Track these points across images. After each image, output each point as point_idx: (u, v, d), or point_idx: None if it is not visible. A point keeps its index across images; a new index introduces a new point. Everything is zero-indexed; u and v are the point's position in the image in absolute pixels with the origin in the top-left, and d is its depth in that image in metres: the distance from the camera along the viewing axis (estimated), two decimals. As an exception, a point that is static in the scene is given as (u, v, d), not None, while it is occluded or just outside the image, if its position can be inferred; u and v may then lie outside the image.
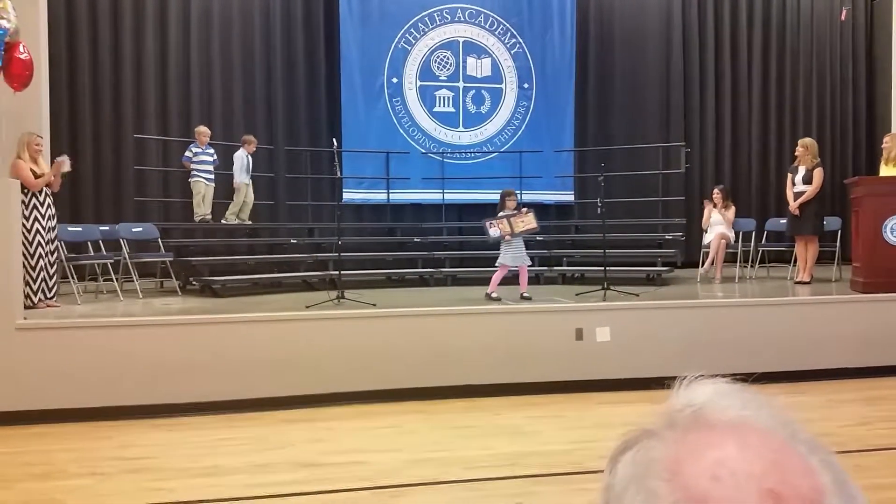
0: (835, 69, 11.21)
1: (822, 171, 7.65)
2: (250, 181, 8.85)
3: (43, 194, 6.36)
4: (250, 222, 9.00)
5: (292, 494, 3.81)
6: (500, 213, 7.00)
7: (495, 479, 3.97)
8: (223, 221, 8.78)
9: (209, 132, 8.59)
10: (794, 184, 7.70)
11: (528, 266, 7.11)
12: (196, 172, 8.42)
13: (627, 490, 0.47)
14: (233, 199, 8.77)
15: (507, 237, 6.79)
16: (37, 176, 6.30)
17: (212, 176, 8.54)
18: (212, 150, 8.59)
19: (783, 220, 8.26)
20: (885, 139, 7.63)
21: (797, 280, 7.77)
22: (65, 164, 6.55)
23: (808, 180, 7.60)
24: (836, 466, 0.46)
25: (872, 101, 11.08)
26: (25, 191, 6.16)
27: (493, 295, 6.73)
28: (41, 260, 6.25)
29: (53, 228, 6.46)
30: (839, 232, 8.46)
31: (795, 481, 0.43)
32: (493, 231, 6.82)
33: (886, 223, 6.76)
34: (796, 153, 7.81)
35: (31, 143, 6.38)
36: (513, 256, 6.83)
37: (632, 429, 0.50)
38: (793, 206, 7.65)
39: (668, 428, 0.48)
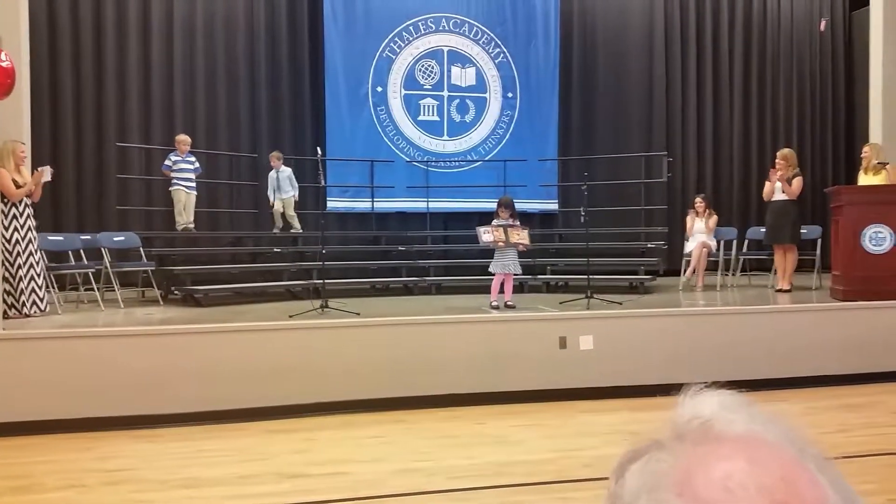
0: (814, 79, 11.38)
1: (801, 180, 7.74)
2: (286, 196, 8.96)
3: (23, 204, 6.30)
4: (301, 231, 9.14)
5: (275, 506, 3.78)
6: (495, 222, 7.03)
7: (479, 489, 3.97)
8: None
9: (189, 140, 8.56)
10: (773, 192, 7.79)
11: (517, 275, 7.15)
12: (176, 181, 8.38)
13: (637, 501, 0.47)
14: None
15: (501, 244, 6.82)
16: (18, 186, 6.24)
17: (193, 184, 8.50)
18: (192, 159, 8.55)
19: (763, 229, 8.35)
20: (865, 149, 7.73)
21: (777, 288, 7.85)
22: (45, 173, 6.50)
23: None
24: (844, 484, 0.47)
25: (852, 110, 11.24)
26: (5, 201, 6.10)
27: (493, 303, 6.76)
28: (20, 270, 6.18)
29: (34, 239, 6.40)
30: (819, 240, 8.56)
31: (806, 495, 0.44)
32: (486, 237, 6.86)
33: (865, 232, 6.84)
34: (777, 166, 7.85)
35: (15, 150, 6.32)
36: (502, 264, 6.87)
37: (638, 439, 0.50)
38: (767, 194, 7.73)
39: (676, 440, 0.49)
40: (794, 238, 7.79)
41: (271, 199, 9.01)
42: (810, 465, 0.47)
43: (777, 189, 7.72)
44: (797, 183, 7.67)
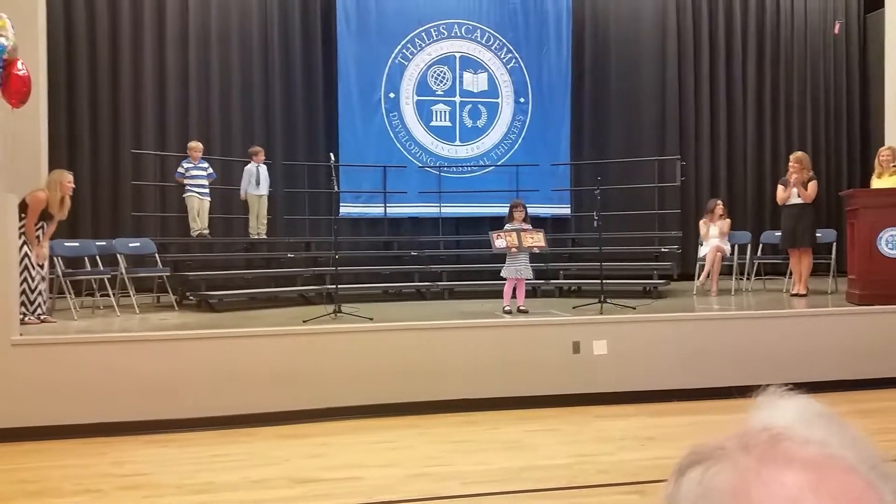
0: (829, 82, 11.29)
1: (816, 183, 7.68)
2: (264, 193, 8.84)
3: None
4: (261, 236, 8.92)
5: (288, 510, 3.79)
6: (508, 226, 7.01)
7: (493, 494, 3.95)
8: (252, 235, 8.90)
9: (201, 147, 8.61)
10: (787, 197, 7.72)
11: (529, 279, 7.12)
12: (189, 188, 8.44)
13: None
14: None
15: (514, 250, 6.79)
16: (49, 213, 6.33)
17: (206, 191, 8.54)
18: (205, 165, 8.60)
19: (778, 233, 8.29)
20: (885, 152, 7.61)
21: (793, 292, 7.78)
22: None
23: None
24: None
25: (866, 113, 11.15)
26: (22, 216, 6.17)
27: (506, 308, 6.75)
28: (27, 283, 6.21)
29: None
30: (834, 244, 8.48)
31: None
32: (499, 242, 6.83)
33: (881, 235, 6.78)
34: (790, 168, 7.79)
35: (63, 181, 6.53)
36: (515, 269, 6.84)
37: (703, 442, 0.48)
38: (784, 198, 7.65)
39: (741, 451, 0.45)
40: (811, 242, 7.72)
41: (244, 193, 8.76)
42: (888, 496, 0.43)
43: (793, 193, 7.66)
44: (812, 186, 7.62)
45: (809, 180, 7.64)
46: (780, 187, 7.86)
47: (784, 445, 0.45)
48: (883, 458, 0.46)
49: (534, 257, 7.22)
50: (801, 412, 0.49)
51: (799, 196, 7.61)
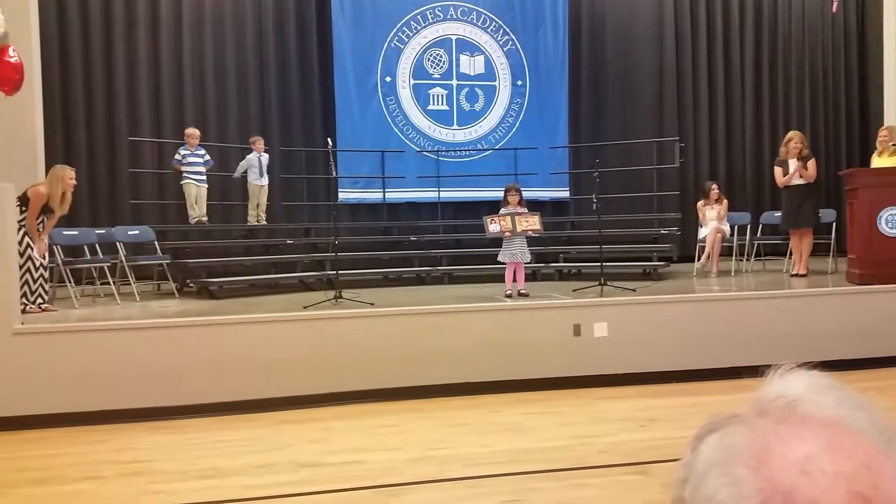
0: (827, 61, 11.23)
1: (815, 162, 7.65)
2: (265, 183, 8.89)
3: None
4: (261, 222, 8.99)
5: (292, 495, 3.80)
6: (503, 210, 6.99)
7: (495, 476, 3.97)
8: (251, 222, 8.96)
9: (198, 133, 8.58)
10: (789, 177, 7.69)
11: (527, 263, 7.11)
12: (186, 175, 8.42)
13: (710, 472, 0.46)
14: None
15: (508, 234, 6.78)
16: (49, 210, 6.31)
17: (203, 177, 8.52)
18: (202, 152, 8.57)
19: (778, 214, 8.27)
20: (883, 132, 7.58)
21: (793, 273, 7.78)
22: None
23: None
24: None
25: (865, 92, 11.10)
26: (23, 209, 6.15)
27: (507, 292, 6.76)
28: (28, 274, 6.21)
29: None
30: (834, 224, 8.47)
31: (887, 487, 0.42)
32: (493, 227, 6.81)
33: (881, 214, 6.77)
34: (793, 147, 7.73)
35: (65, 177, 6.48)
36: (510, 253, 6.83)
37: (719, 411, 0.50)
38: (786, 180, 7.60)
39: (758, 416, 0.48)
40: (814, 222, 7.70)
41: (238, 175, 8.81)
42: None
43: (792, 172, 7.62)
44: (812, 166, 7.59)
45: (808, 159, 7.61)
46: (777, 169, 7.82)
47: (800, 409, 0.47)
48: (891, 426, 0.48)
49: (533, 241, 7.21)
50: (813, 384, 0.51)
51: (800, 177, 7.58)
